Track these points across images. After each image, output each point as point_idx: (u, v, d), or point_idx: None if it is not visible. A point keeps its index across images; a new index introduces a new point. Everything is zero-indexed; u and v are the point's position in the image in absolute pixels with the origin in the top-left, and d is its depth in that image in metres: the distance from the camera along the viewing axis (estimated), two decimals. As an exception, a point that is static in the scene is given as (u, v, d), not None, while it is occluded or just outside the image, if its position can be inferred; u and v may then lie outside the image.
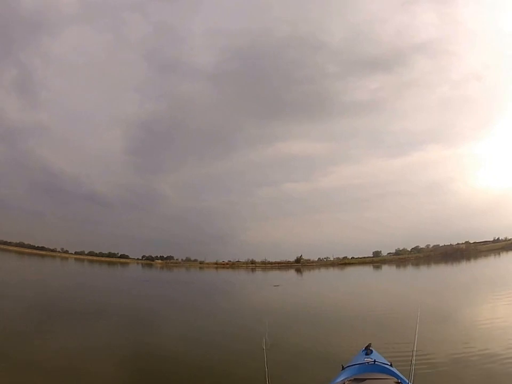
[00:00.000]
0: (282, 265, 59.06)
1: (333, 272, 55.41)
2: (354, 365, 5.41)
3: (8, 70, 65.78)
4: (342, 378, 4.98)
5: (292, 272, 57.92)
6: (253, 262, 59.37)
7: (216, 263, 58.91)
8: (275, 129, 70.37)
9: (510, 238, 49.43)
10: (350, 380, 4.85)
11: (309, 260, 59.01)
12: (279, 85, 67.54)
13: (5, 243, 51.42)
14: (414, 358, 5.02)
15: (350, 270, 55.13)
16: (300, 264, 58.91)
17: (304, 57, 65.87)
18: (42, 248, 53.19)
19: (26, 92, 65.82)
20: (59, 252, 54.63)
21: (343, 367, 5.48)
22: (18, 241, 51.93)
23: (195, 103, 66.46)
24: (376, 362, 5.28)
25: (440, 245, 52.80)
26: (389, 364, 5.43)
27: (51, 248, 54.11)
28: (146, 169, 64.60)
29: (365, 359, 5.55)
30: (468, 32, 64.70)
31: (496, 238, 50.73)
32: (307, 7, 64.95)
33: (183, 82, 68.70)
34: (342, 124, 67.83)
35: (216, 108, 64.90)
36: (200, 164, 66.70)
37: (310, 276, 54.89)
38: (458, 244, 51.91)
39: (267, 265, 59.03)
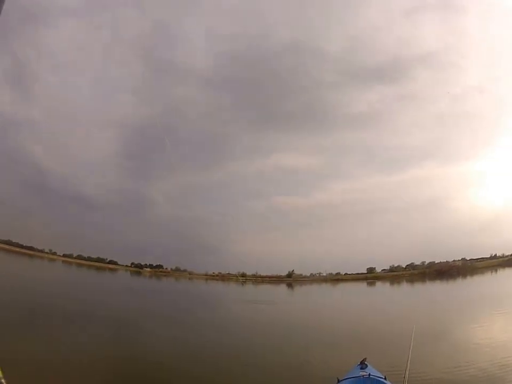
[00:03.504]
0: (274, 280, 57.41)
1: (326, 288, 53.89)
2: (349, 378, 5.68)
3: (1, 60, 64.41)
4: None
5: (283, 287, 56.36)
6: (243, 275, 57.76)
7: (206, 275, 57.52)
8: (271, 139, 70.04)
9: (507, 254, 48.23)
10: None
11: (301, 275, 57.34)
12: (276, 93, 67.93)
13: (-8, 240, 50.82)
14: (408, 372, 5.31)
15: (343, 286, 53.66)
16: (291, 279, 57.30)
17: (303, 65, 67.22)
18: (30, 248, 52.37)
19: (19, 84, 64.61)
20: (47, 253, 53.76)
21: (338, 380, 5.72)
22: (6, 239, 51.29)
23: (190, 108, 66.86)
24: (370, 376, 5.51)
25: (436, 262, 51.36)
26: (383, 377, 5.66)
27: (39, 248, 53.23)
28: (137, 174, 64.03)
29: (360, 373, 5.73)
30: (474, 43, 63.98)
31: (493, 255, 49.56)
32: (307, 13, 66.28)
33: (178, 86, 68.42)
34: (337, 137, 67.72)
35: (211, 114, 65.54)
36: (193, 172, 65.86)
37: (302, 291, 53.40)
38: (454, 260, 50.51)
39: (258, 279, 57.44)
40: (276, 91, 66.90)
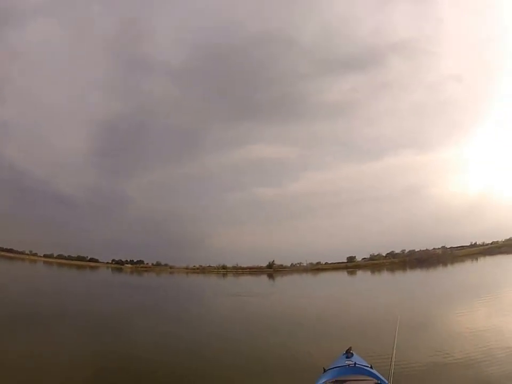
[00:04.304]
0: (254, 271, 57.43)
1: (307, 277, 53.72)
2: (335, 367, 5.69)
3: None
4: (323, 381, 5.26)
5: (264, 278, 56.34)
6: (224, 267, 57.94)
7: (186, 268, 57.82)
8: (245, 131, 68.21)
9: (487, 242, 46.94)
10: (331, 382, 5.20)
11: (282, 265, 57.19)
12: (250, 84, 65.89)
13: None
14: (394, 360, 5.20)
15: (324, 275, 53.41)
16: (272, 270, 57.21)
17: (276, 56, 64.43)
18: (10, 250, 53.05)
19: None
20: (27, 254, 54.51)
21: (324, 369, 5.70)
22: (-15, 243, 51.73)
23: (162, 102, 65.19)
24: (356, 365, 5.54)
25: (416, 250, 50.44)
26: (369, 366, 5.66)
27: (19, 250, 53.88)
28: (112, 171, 63.11)
29: (346, 362, 5.76)
30: (450, 32, 61.59)
31: (473, 243, 48.50)
32: (278, 3, 63.25)
33: (149, 80, 66.60)
34: (314, 127, 65.48)
35: (184, 107, 63.69)
36: (168, 167, 65.12)
37: (283, 281, 53.29)
38: (434, 249, 49.54)
39: (238, 271, 57.56)
40: (248, 82, 64.83)
